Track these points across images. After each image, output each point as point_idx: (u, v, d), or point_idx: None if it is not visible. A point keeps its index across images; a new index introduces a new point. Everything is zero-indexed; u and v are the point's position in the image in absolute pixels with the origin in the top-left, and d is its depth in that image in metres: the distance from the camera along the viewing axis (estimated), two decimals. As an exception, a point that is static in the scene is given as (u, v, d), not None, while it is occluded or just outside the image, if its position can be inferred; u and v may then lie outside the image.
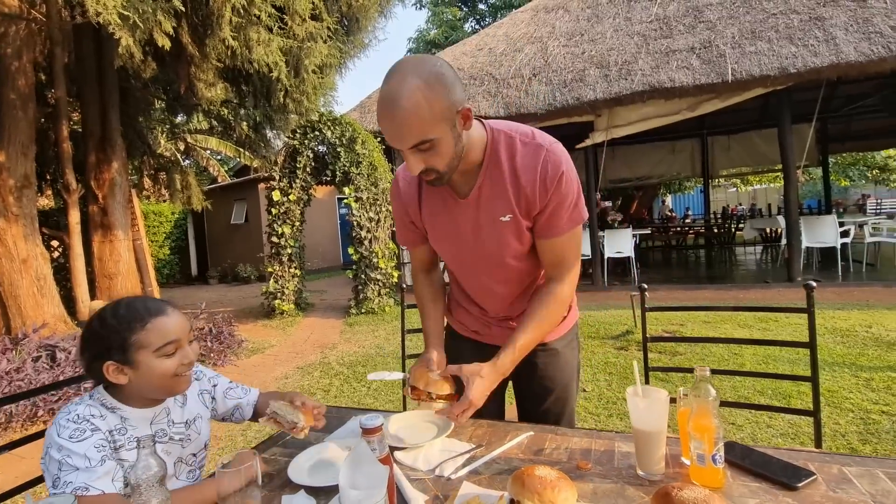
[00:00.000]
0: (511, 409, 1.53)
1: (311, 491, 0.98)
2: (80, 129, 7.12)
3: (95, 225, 6.62)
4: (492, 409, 1.39)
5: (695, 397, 0.91)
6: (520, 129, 1.15)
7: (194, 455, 1.18)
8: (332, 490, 0.99)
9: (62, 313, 5.59)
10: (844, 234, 6.97)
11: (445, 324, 1.51)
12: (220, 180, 15.34)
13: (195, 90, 5.83)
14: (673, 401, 1.01)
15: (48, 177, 8.26)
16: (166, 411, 1.13)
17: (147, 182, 11.46)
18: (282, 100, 5.53)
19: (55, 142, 6.64)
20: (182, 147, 13.35)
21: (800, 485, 0.88)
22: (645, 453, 0.96)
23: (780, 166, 9.70)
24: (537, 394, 1.40)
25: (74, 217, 6.25)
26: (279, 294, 7.13)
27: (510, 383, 1.45)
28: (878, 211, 13.09)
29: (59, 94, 6.13)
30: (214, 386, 1.29)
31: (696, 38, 6.68)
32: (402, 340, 2.09)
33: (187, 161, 14.57)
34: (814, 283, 1.46)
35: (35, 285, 5.27)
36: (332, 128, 6.85)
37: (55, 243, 9.88)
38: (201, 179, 14.21)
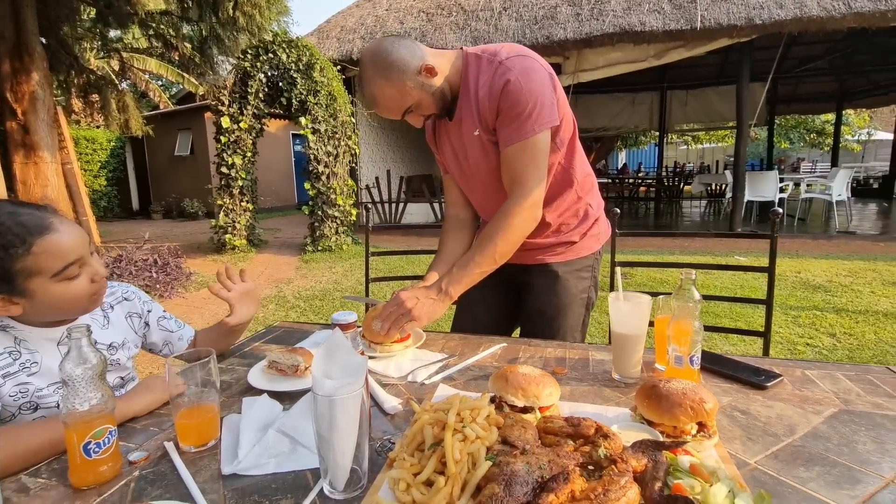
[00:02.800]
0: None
1: (274, 395, 0.92)
2: (-11, 33, 6.19)
3: (16, 144, 5.93)
4: (484, 319, 1.42)
5: (677, 300, 0.90)
6: (490, 49, 1.19)
7: (121, 378, 1.06)
8: (296, 395, 0.94)
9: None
10: (782, 190, 7.40)
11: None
12: (162, 107, 14.05)
13: (128, -7, 5.14)
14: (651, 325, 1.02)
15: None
16: None
17: (77, 104, 10.30)
18: (231, 12, 4.97)
19: (-42, 45, 5.77)
20: (117, 66, 12.00)
21: (769, 384, 0.90)
22: (623, 356, 0.95)
23: (732, 123, 10.01)
24: (530, 313, 1.39)
25: (-11, 133, 5.56)
26: (230, 228, 6.78)
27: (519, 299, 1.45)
28: (812, 171, 13.93)
29: (-41, -14, 5.25)
30: (149, 311, 1.14)
31: (669, -19, 6.53)
32: (366, 281, 2.01)
33: (125, 83, 13.17)
34: (779, 210, 1.49)
35: (-54, 207, 4.71)
36: (287, 50, 6.31)
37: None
38: (141, 106, 12.91)
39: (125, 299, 1.11)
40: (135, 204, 13.99)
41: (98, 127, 12.76)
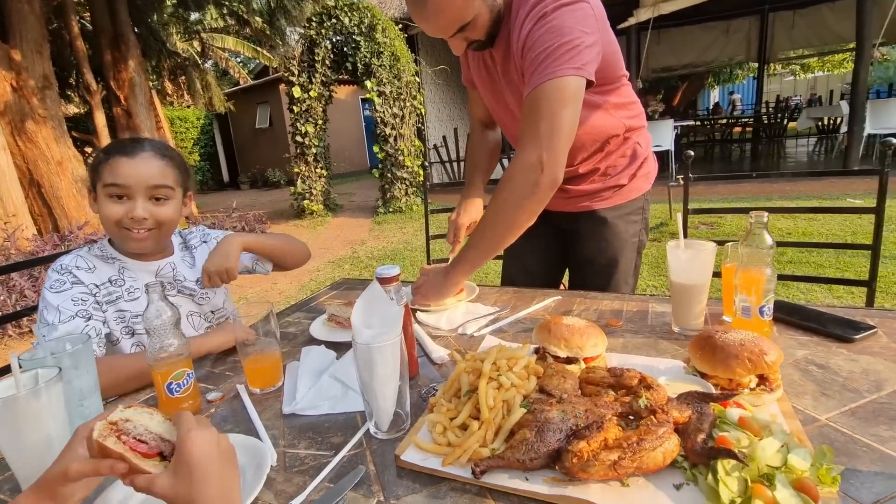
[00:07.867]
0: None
1: (332, 346, 0.98)
2: (91, 27, 6.86)
3: (122, 128, 6.62)
4: (534, 268, 1.39)
5: (746, 246, 0.82)
6: None
7: (213, 312, 1.20)
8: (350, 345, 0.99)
9: (104, 215, 5.81)
10: (917, 119, 6.28)
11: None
12: (241, 83, 14.89)
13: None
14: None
15: (70, 81, 8.17)
16: (171, 266, 1.12)
17: (168, 86, 11.22)
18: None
19: (69, 42, 6.45)
20: (199, 48, 12.83)
21: (856, 337, 0.80)
22: (682, 307, 0.89)
23: (851, 45, 8.59)
24: (579, 262, 1.34)
25: (100, 119, 6.24)
26: (307, 195, 7.16)
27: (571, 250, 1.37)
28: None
29: (63, -15, 5.80)
30: None
31: None
32: (427, 239, 2.03)
33: (208, 63, 14.11)
34: (893, 140, 1.28)
35: (74, 186, 5.42)
36: (349, 14, 6.33)
37: (88, 150, 10.10)
38: (223, 83, 13.78)
39: (203, 242, 1.23)
40: (225, 176, 15.14)
41: (188, 107, 13.84)
